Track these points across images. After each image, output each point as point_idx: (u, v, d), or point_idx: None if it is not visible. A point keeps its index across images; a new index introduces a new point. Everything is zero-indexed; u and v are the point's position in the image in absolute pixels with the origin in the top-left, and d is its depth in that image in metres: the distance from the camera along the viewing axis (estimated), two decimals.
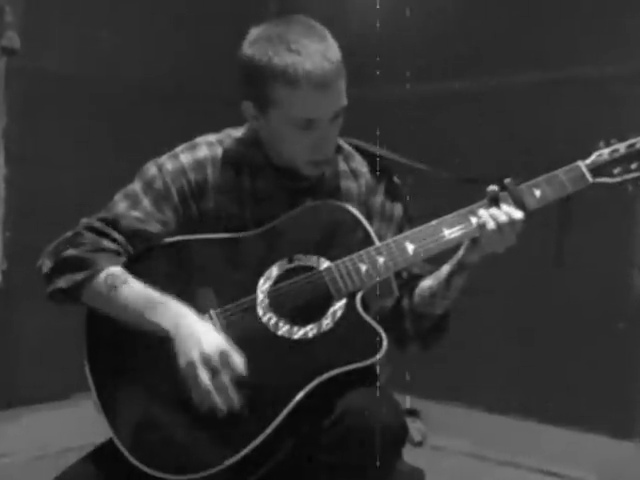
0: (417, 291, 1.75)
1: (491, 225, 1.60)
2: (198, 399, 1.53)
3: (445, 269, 1.70)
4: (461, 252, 1.67)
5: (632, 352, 3.03)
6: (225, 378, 1.52)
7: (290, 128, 1.63)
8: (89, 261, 1.62)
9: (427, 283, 1.73)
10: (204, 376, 1.52)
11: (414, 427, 3.48)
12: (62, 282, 1.61)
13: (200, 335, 1.54)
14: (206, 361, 1.52)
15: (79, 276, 1.61)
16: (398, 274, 1.73)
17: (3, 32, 2.98)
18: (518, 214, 1.61)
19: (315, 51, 1.59)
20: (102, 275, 1.61)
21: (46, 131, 3.16)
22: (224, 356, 1.53)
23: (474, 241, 1.64)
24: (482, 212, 1.62)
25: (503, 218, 1.60)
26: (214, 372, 1.52)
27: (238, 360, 1.53)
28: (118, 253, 1.65)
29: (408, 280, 1.78)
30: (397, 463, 1.60)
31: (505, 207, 1.61)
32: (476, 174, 1.76)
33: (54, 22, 3.18)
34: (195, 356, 1.52)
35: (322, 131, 1.63)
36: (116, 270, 1.63)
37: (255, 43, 1.64)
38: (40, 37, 3.12)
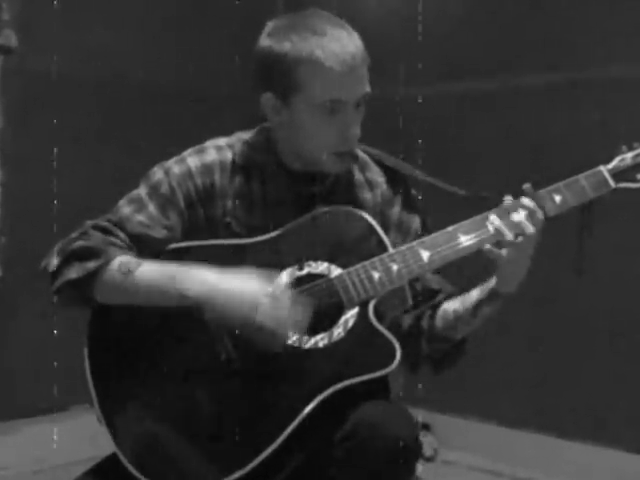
0: (440, 313, 1.73)
1: (511, 234, 1.59)
2: (270, 344, 1.55)
3: (474, 295, 1.69)
4: (493, 280, 1.65)
5: None
6: (285, 305, 1.54)
7: (314, 114, 1.63)
8: (100, 250, 1.61)
9: (452, 307, 1.72)
10: (266, 316, 1.53)
11: (425, 441, 3.47)
12: (73, 272, 1.59)
13: (236, 287, 1.55)
14: (261, 295, 1.54)
15: (91, 265, 1.59)
16: (412, 285, 1.72)
17: (0, 30, 2.98)
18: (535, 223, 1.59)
19: (340, 35, 1.62)
20: (115, 262, 1.60)
21: (43, 133, 3.15)
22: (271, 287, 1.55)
23: (493, 259, 1.61)
24: (497, 222, 1.61)
25: (523, 226, 1.59)
26: (273, 302, 1.54)
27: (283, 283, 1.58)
28: (126, 249, 1.64)
29: (423, 293, 1.76)
30: (412, 478, 1.59)
31: (521, 211, 1.60)
32: (487, 184, 1.75)
33: (52, 21, 3.17)
34: (249, 297, 1.54)
35: (347, 117, 1.63)
36: (127, 257, 1.62)
37: (275, 33, 1.65)
38: (38, 36, 3.12)
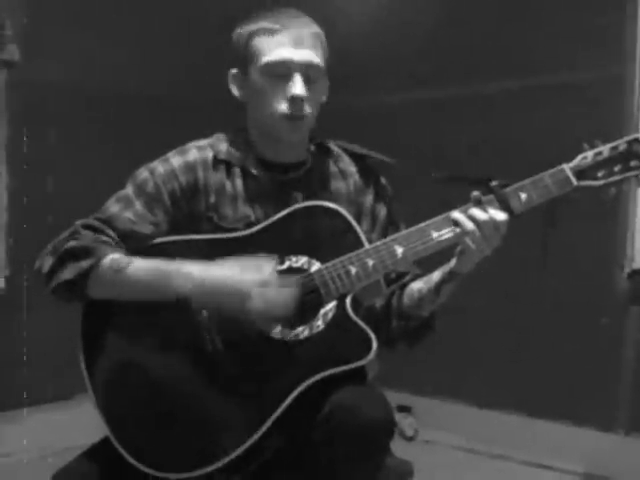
0: (406, 292, 1.74)
1: (475, 228, 1.58)
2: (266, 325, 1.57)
3: (436, 276, 1.69)
4: (452, 261, 1.65)
5: (616, 348, 3.03)
6: (272, 290, 1.55)
7: (267, 80, 1.66)
8: (92, 249, 1.59)
9: (417, 286, 1.72)
10: (257, 303, 1.54)
11: (406, 422, 3.48)
12: (67, 273, 1.58)
13: (226, 281, 1.55)
14: (249, 285, 1.54)
15: (84, 264, 1.58)
16: (387, 274, 1.72)
17: (3, 45, 2.97)
18: (501, 215, 1.59)
19: (296, 14, 1.70)
20: (106, 260, 1.58)
21: (46, 141, 3.15)
22: (258, 276, 1.55)
23: (462, 249, 1.61)
24: (459, 216, 1.60)
25: (488, 220, 1.58)
26: (262, 292, 1.54)
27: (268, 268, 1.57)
28: (115, 246, 1.63)
29: (396, 279, 1.77)
30: (387, 457, 1.60)
31: (491, 210, 1.59)
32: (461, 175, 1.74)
33: (53, 35, 3.17)
34: (234, 299, 1.54)
35: (295, 82, 1.65)
36: (118, 255, 1.61)
37: (245, 21, 1.72)
38: (39, 50, 3.11)
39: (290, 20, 1.67)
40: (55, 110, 3.16)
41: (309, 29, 1.68)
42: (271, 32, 1.65)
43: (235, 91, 1.75)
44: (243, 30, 1.71)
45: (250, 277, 1.55)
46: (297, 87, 1.65)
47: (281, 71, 1.65)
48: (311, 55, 1.66)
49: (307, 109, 1.67)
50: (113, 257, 1.59)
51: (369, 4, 3.80)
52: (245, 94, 1.73)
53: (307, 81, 1.66)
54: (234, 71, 1.74)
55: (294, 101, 1.65)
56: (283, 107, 1.66)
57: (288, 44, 1.65)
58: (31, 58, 3.06)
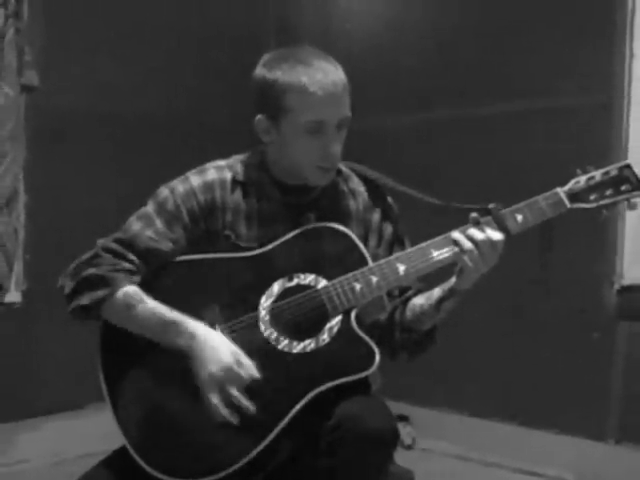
0: (409, 306, 1.75)
1: (473, 247, 1.60)
2: (214, 414, 1.56)
3: (437, 292, 1.70)
4: (453, 279, 1.66)
5: (605, 360, 3.03)
6: (233, 391, 1.55)
7: (301, 134, 1.65)
8: (109, 279, 1.62)
9: (419, 301, 1.73)
10: (212, 394, 1.55)
11: (405, 431, 3.47)
12: (84, 299, 1.62)
13: (206, 355, 1.57)
14: (212, 380, 1.55)
15: (100, 293, 1.61)
16: (390, 291, 1.74)
17: (23, 71, 2.99)
18: (498, 235, 1.60)
19: (324, 66, 1.65)
20: (120, 293, 1.62)
21: (62, 162, 3.17)
22: (230, 370, 1.55)
23: (461, 267, 1.63)
24: (458, 236, 1.61)
25: (485, 240, 1.59)
26: (221, 388, 1.55)
27: (248, 365, 1.56)
28: (133, 272, 1.65)
29: (399, 295, 1.78)
30: (390, 465, 1.61)
31: (488, 230, 1.60)
32: (458, 200, 1.76)
33: (69, 61, 3.19)
34: (204, 376, 1.56)
35: (328, 137, 1.65)
36: (132, 289, 1.63)
37: (268, 63, 1.69)
38: (57, 75, 3.13)
39: (324, 75, 1.63)
40: (71, 132, 3.18)
41: (341, 81, 1.65)
42: (307, 92, 1.61)
43: (261, 135, 1.72)
44: (271, 77, 1.65)
45: (230, 360, 1.56)
46: (334, 146, 1.67)
47: (316, 128, 1.64)
48: (345, 110, 1.67)
49: (338, 157, 1.70)
50: (127, 291, 1.63)
51: (365, 29, 3.83)
52: (273, 140, 1.71)
53: (339, 129, 1.67)
54: (262, 117, 1.69)
55: (331, 156, 1.67)
56: (316, 160, 1.67)
57: (325, 105, 1.63)
58: (49, 83, 3.07)
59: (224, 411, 1.54)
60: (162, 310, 1.62)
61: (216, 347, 1.58)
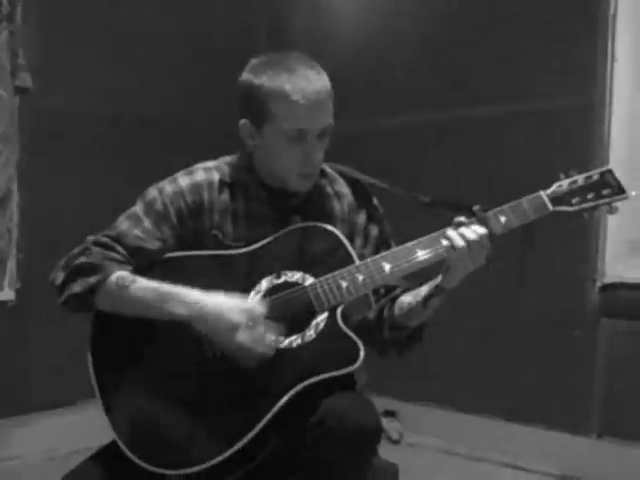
0: (397, 304, 1.76)
1: (460, 243, 1.60)
2: (246, 359, 1.57)
3: (424, 290, 1.71)
4: (439, 278, 1.68)
5: (588, 357, 3.05)
6: (260, 328, 1.56)
7: (283, 141, 1.65)
8: (100, 267, 1.62)
9: (406, 299, 1.74)
10: (244, 336, 1.55)
11: (392, 426, 3.48)
12: (76, 287, 1.61)
13: (223, 308, 1.57)
14: (236, 325, 1.55)
15: (92, 280, 1.61)
16: (376, 289, 1.75)
17: (17, 73, 2.99)
18: (482, 230, 1.61)
19: (309, 74, 1.64)
20: (113, 277, 1.61)
21: (55, 162, 3.17)
22: (251, 311, 1.57)
23: (448, 265, 1.64)
24: (451, 233, 1.63)
25: (476, 239, 1.60)
26: (250, 329, 1.56)
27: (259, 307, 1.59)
28: (123, 262, 1.65)
29: (385, 293, 1.79)
30: (374, 459, 1.61)
31: (478, 229, 1.61)
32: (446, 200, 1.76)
33: (62, 63, 3.19)
34: (226, 325, 1.55)
35: (311, 145, 1.65)
36: (125, 272, 1.63)
37: (255, 68, 1.68)
38: (50, 77, 3.13)
39: (308, 83, 1.62)
40: (64, 133, 3.18)
41: (324, 90, 1.65)
42: (289, 100, 1.61)
43: (245, 139, 1.73)
44: (256, 82, 1.65)
45: (241, 313, 1.57)
46: (315, 153, 1.67)
47: (298, 135, 1.64)
48: (327, 118, 1.67)
49: (319, 164, 1.71)
50: (119, 275, 1.62)
51: (354, 32, 3.84)
52: (256, 145, 1.71)
53: (320, 138, 1.68)
54: (246, 121, 1.70)
55: (311, 164, 1.68)
56: (298, 166, 1.67)
57: (306, 113, 1.62)
58: (42, 85, 3.07)
59: (261, 346, 1.55)
60: (157, 284, 1.61)
61: (226, 300, 1.58)
